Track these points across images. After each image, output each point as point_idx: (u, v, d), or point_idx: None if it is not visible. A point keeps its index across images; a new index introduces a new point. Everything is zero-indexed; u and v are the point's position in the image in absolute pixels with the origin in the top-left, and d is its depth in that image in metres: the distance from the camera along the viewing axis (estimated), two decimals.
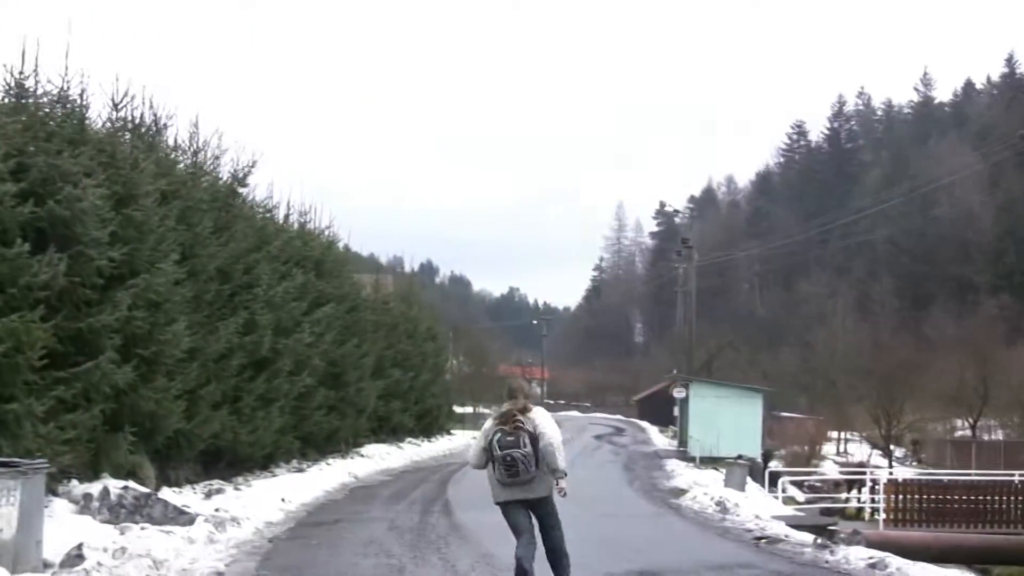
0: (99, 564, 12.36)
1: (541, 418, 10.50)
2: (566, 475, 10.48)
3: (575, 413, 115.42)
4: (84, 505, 15.52)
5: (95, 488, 15.95)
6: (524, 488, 10.46)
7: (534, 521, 10.64)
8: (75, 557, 12.31)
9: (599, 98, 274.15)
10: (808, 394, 78.81)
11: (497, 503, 10.72)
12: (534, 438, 10.29)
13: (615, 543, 17.60)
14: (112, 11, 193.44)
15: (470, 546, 16.32)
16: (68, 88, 18.29)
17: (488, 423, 10.81)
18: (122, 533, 14.02)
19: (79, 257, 15.78)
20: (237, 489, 21.12)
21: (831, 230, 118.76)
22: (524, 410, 10.54)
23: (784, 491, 35.28)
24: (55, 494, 15.60)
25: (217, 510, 17.32)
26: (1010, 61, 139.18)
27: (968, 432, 63.78)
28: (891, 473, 43.20)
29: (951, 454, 52.60)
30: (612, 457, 45.62)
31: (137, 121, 21.72)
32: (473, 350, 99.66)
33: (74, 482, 16.17)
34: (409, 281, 54.58)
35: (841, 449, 70.78)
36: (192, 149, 24.45)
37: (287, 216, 31.69)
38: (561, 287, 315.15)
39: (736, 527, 21.31)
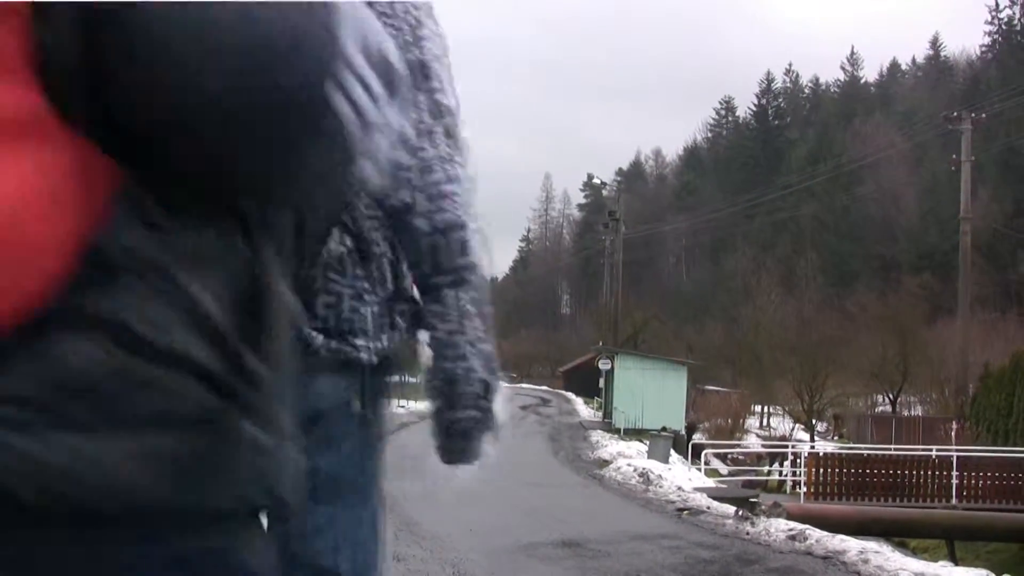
0: None
1: None
2: None
3: None
4: None
5: None
6: None
7: None
8: None
9: (526, 66, 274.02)
10: (732, 368, 79.50)
11: None
12: None
13: (539, 513, 17.67)
14: None
15: (393, 514, 16.28)
16: None
17: None
18: None
19: None
20: None
21: (758, 205, 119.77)
22: None
23: (707, 463, 35.54)
24: None
25: None
26: (935, 44, 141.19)
27: (889, 408, 64.68)
28: (813, 447, 43.67)
29: (872, 429, 53.23)
30: (538, 428, 45.75)
31: None
32: None
33: None
34: None
35: (764, 423, 71.59)
36: None
37: None
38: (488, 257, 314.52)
39: (659, 498, 21.47)
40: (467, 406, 2.27)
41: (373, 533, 2.35)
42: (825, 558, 14.04)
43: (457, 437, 2.31)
